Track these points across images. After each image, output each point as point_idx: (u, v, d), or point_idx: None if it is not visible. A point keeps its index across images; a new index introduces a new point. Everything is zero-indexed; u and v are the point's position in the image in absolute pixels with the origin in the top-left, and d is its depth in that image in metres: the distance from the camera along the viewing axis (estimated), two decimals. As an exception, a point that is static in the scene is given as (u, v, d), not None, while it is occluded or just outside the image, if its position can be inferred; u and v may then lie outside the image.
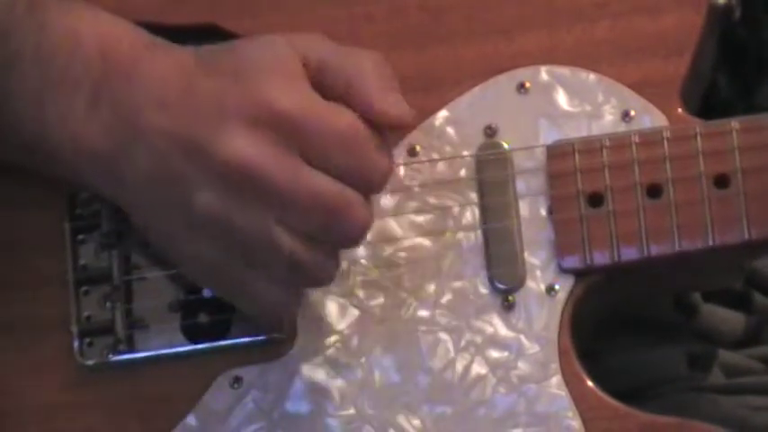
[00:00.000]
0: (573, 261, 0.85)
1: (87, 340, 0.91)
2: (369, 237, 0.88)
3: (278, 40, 0.80)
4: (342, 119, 0.77)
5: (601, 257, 0.84)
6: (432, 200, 0.86)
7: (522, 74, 0.87)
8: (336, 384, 0.87)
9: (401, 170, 0.88)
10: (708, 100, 0.98)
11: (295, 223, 0.77)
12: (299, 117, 0.76)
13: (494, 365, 0.85)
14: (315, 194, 0.77)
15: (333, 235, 0.78)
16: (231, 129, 0.76)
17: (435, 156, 0.88)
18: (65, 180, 0.87)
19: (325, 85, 0.79)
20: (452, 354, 0.86)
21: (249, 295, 0.81)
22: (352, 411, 0.86)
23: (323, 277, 0.81)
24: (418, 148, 0.88)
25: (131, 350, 0.90)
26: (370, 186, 0.79)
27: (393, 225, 0.88)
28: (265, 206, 0.77)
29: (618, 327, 0.98)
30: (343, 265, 0.89)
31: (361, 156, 0.78)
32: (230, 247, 0.78)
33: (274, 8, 0.91)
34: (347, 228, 0.78)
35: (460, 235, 0.86)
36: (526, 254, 0.86)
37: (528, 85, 0.87)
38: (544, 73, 0.87)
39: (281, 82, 0.78)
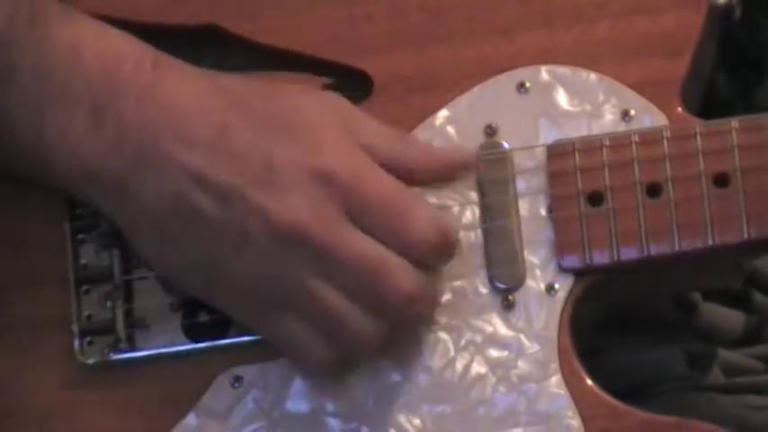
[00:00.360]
0: (572, 260, 0.85)
1: (88, 339, 0.91)
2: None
3: (322, 100, 0.82)
4: (390, 184, 0.80)
5: (600, 257, 0.85)
6: (432, 199, 0.86)
7: (522, 73, 0.88)
8: (336, 383, 0.87)
9: None
10: (708, 99, 0.98)
11: (336, 280, 0.78)
12: (350, 180, 0.78)
13: (493, 365, 0.85)
14: (357, 256, 0.79)
15: (377, 298, 0.79)
16: (285, 187, 0.78)
17: (436, 155, 0.88)
18: (63, 190, 0.87)
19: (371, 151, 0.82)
20: (452, 353, 0.86)
21: (287, 345, 0.83)
22: (352, 410, 0.86)
23: (361, 343, 0.81)
24: None
25: (132, 349, 0.90)
26: (415, 252, 0.80)
27: None
28: (311, 264, 0.79)
29: (617, 326, 0.98)
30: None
31: (408, 222, 0.80)
32: (273, 298, 0.80)
33: (274, 8, 0.91)
34: (387, 291, 0.79)
35: (460, 234, 0.86)
36: (526, 253, 0.86)
37: (528, 84, 0.87)
38: (544, 72, 0.88)
39: (334, 143, 0.79)
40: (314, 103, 0.83)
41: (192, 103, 0.81)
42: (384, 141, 0.83)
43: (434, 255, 0.82)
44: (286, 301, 0.80)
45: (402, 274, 0.79)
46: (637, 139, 0.85)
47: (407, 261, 0.80)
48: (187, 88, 0.81)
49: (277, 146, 0.79)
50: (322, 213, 0.78)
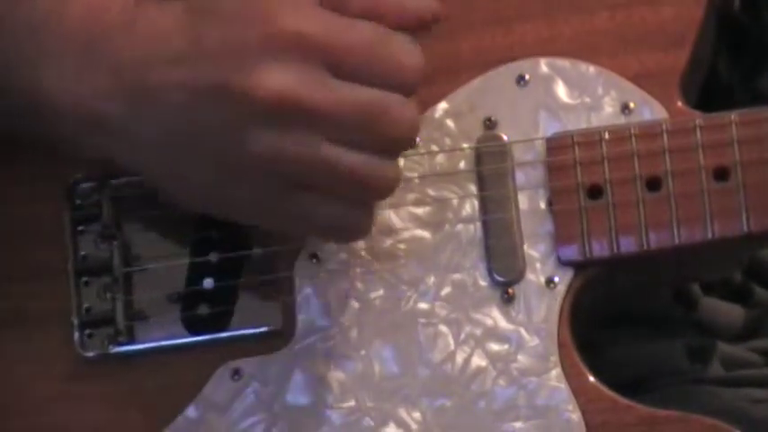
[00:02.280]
0: (572, 253, 0.87)
1: (87, 332, 0.93)
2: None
3: None
4: (360, 29, 0.81)
5: (600, 250, 0.86)
6: (431, 192, 0.88)
7: (521, 66, 0.89)
8: (336, 376, 0.88)
9: (401, 162, 0.87)
10: (708, 85, 0.99)
11: (345, 138, 0.80)
12: (319, 36, 0.79)
13: (494, 358, 0.87)
14: (355, 105, 0.79)
15: (383, 138, 0.81)
16: (259, 65, 0.78)
17: (435, 148, 0.90)
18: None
19: (338, 6, 0.82)
20: (452, 346, 0.88)
21: (317, 222, 0.83)
22: (352, 403, 0.88)
23: (386, 185, 0.83)
24: (418, 139, 0.87)
25: (131, 342, 0.92)
26: (404, 85, 0.81)
27: (392, 217, 0.90)
28: (312, 129, 0.79)
29: (617, 319, 0.99)
30: (343, 256, 0.90)
31: (388, 59, 0.81)
32: (288, 178, 0.80)
33: None
34: (395, 127, 0.81)
35: (460, 227, 0.88)
36: (525, 246, 0.87)
37: (527, 77, 0.88)
38: (543, 65, 0.89)
39: (292, 8, 0.80)
40: None
41: (170, 24, 0.82)
42: None
43: (419, 79, 0.84)
44: (302, 180, 0.81)
45: (401, 108, 0.81)
46: (636, 132, 0.86)
47: (399, 94, 0.81)
48: (164, 15, 0.82)
49: (243, 32, 0.80)
50: (304, 77, 0.79)
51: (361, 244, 0.90)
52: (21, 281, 0.97)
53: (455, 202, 0.89)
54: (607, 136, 0.87)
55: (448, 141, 0.89)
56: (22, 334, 0.96)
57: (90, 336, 0.93)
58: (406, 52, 0.83)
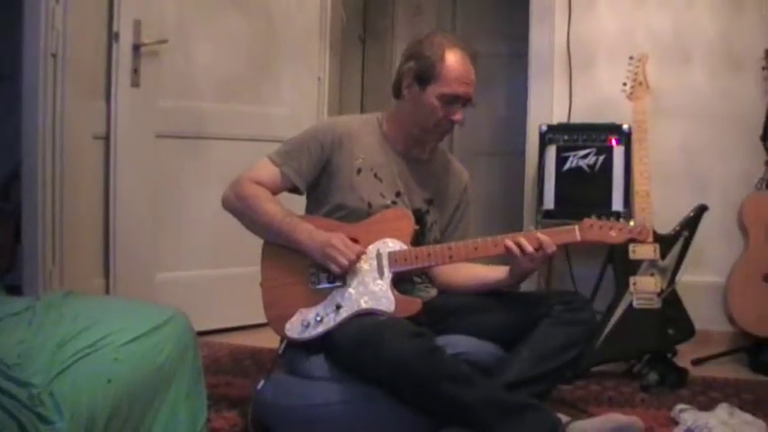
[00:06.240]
0: (394, 270, 2.76)
1: (312, 277, 2.88)
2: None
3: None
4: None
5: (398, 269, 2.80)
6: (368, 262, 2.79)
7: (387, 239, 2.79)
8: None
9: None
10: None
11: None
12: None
13: (373, 282, 2.81)
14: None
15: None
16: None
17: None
18: (298, 247, 2.88)
19: None
20: (370, 282, 2.85)
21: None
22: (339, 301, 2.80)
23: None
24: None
25: (323, 282, 2.88)
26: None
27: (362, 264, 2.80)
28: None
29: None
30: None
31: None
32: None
33: None
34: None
35: (371, 268, 2.81)
36: (385, 270, 2.80)
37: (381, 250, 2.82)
38: (382, 244, 2.86)
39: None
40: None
41: (305, 236, 2.85)
42: None
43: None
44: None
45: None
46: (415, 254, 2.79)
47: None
48: (304, 234, 2.86)
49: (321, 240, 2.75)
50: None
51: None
52: (298, 272, 2.94)
53: (366, 266, 2.82)
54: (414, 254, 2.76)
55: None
56: (290, 280, 2.87)
57: (312, 282, 2.86)
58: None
